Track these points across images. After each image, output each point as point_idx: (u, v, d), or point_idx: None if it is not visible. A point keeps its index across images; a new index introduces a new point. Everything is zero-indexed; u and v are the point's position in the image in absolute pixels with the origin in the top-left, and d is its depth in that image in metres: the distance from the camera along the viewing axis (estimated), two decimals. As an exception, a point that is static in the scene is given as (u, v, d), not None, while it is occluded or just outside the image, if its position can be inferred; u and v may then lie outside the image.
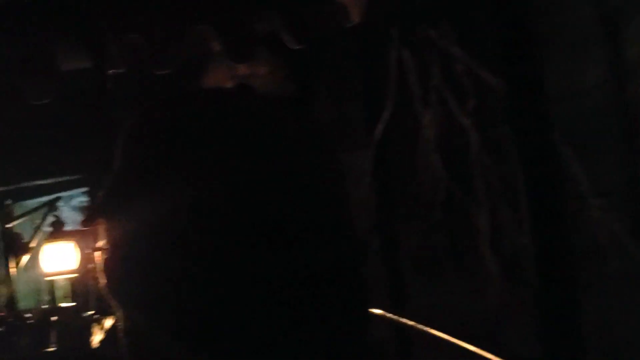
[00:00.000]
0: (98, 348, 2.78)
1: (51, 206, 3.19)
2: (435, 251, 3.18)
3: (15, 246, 2.95)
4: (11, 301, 2.88)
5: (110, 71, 2.67)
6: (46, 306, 2.86)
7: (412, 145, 3.11)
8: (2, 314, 2.87)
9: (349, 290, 0.46)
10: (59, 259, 3.28)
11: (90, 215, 0.69)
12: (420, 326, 2.10)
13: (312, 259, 0.46)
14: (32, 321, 2.79)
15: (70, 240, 3.34)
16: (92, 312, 3.15)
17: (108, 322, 2.87)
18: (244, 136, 0.48)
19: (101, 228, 0.62)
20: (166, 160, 0.57)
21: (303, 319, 0.44)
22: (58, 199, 3.24)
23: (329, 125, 3.04)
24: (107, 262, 0.59)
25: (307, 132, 0.52)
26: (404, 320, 2.21)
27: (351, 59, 2.97)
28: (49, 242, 3.22)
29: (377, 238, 2.47)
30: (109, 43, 2.64)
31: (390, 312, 2.19)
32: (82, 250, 3.43)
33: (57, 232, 3.24)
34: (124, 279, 0.58)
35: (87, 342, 2.74)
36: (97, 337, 2.79)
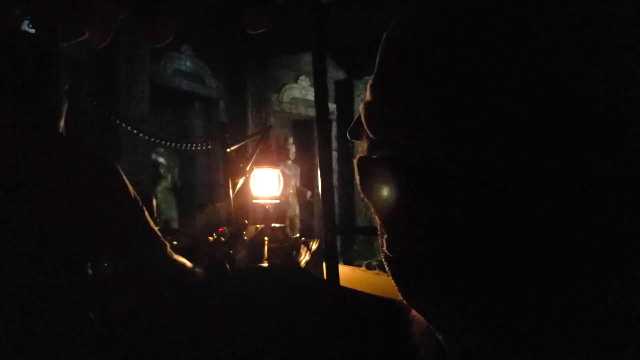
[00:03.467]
0: (304, 267, 2.97)
1: (264, 134, 3.42)
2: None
3: (232, 169, 3.22)
4: (229, 219, 3.17)
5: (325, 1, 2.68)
6: (259, 226, 3.10)
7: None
8: (222, 229, 3.17)
9: None
10: (265, 185, 3.52)
11: (353, 129, 0.65)
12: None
13: None
14: (246, 238, 3.04)
15: (275, 168, 3.57)
16: (299, 235, 3.38)
17: (313, 245, 3.05)
18: None
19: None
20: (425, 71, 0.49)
21: None
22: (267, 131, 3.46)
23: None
24: (399, 261, 0.54)
25: None
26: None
27: None
28: (258, 167, 3.47)
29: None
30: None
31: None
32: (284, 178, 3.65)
33: (265, 159, 3.47)
34: (419, 287, 0.53)
35: (295, 260, 2.93)
36: (303, 258, 2.98)
